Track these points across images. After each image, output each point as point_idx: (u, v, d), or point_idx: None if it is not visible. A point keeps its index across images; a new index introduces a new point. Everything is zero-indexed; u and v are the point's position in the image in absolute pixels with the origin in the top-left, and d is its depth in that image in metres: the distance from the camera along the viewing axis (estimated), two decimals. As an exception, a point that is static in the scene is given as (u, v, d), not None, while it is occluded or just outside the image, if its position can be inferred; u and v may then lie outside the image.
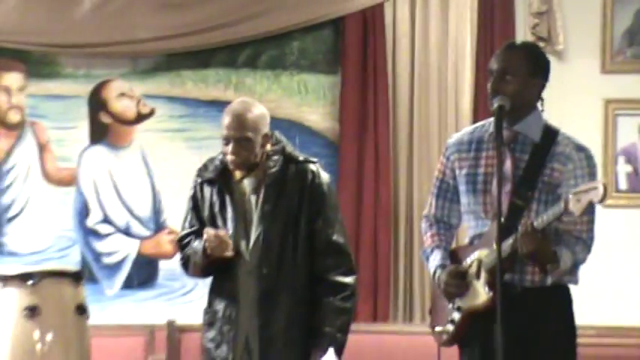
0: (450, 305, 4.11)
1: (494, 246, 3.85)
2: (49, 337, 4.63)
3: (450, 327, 4.06)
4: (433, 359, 4.17)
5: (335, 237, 4.35)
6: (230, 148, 4.25)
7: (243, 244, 4.31)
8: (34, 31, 6.15)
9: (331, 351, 3.91)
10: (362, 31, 6.09)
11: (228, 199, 4.39)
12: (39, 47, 6.23)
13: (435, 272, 4.12)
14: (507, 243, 3.86)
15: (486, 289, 3.90)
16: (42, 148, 6.24)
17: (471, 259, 4.02)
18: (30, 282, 4.64)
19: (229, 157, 4.27)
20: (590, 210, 3.91)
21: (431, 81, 6.07)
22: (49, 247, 6.21)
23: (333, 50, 6.19)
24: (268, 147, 4.35)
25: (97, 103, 6.26)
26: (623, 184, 6.06)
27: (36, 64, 6.28)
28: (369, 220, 5.97)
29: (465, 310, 4.02)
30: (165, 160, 6.18)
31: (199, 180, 4.48)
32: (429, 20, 6.08)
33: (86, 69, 6.28)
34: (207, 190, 4.46)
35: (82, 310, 4.73)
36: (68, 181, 6.23)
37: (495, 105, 3.87)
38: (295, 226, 4.37)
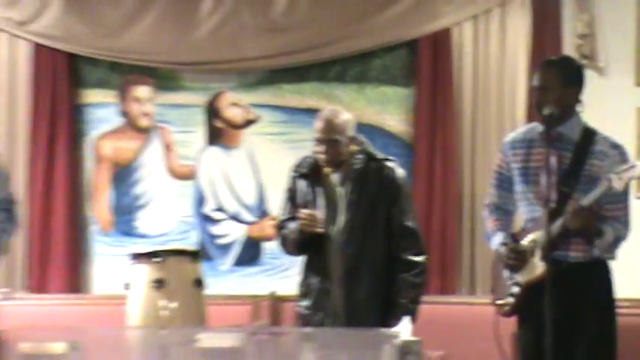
0: (509, 282, 4.28)
1: (547, 229, 4.03)
2: (172, 305, 5.09)
3: (511, 299, 4.27)
4: (491, 326, 4.34)
5: (408, 223, 4.55)
6: (321, 148, 4.50)
7: (331, 228, 4.52)
8: (161, 51, 6.49)
9: (406, 319, 4.12)
10: (432, 51, 6.31)
11: (318, 190, 4.60)
12: (165, 65, 6.58)
13: (497, 250, 4.34)
14: (558, 223, 4.06)
15: (542, 263, 4.11)
16: (167, 148, 6.57)
17: (527, 240, 4.21)
18: (157, 259, 5.13)
19: (321, 156, 4.51)
20: (625, 197, 4.15)
21: (491, 93, 6.29)
22: (172, 231, 6.57)
23: (409, 67, 6.42)
24: (353, 147, 4.52)
25: (212, 111, 6.56)
26: (653, 180, 6.06)
27: (162, 78, 6.61)
28: (438, 209, 6.20)
29: (523, 283, 4.20)
30: (268, 159, 6.46)
31: (295, 174, 4.71)
32: (489, 42, 6.31)
33: (203, 83, 6.58)
34: (301, 183, 4.63)
35: (199, 282, 5.22)
36: (188, 175, 6.58)
37: (545, 113, 4.07)
38: (375, 213, 4.55)
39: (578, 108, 4.30)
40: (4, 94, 6.54)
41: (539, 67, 4.39)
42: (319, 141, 4.51)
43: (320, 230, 4.53)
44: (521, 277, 4.23)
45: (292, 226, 4.66)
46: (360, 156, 4.56)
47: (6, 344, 3.85)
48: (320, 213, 4.62)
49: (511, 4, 6.18)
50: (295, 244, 4.65)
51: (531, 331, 4.21)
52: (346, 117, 4.57)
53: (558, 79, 4.20)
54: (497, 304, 4.38)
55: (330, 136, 4.45)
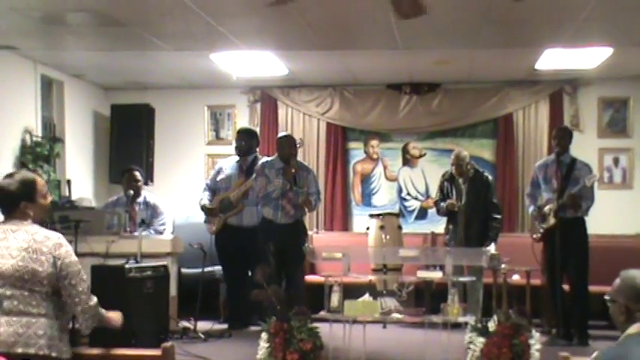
0: (539, 226, 6.31)
1: (556, 203, 6.08)
2: (387, 237, 7.13)
3: (539, 235, 6.35)
4: (529, 248, 6.40)
5: (494, 200, 7.08)
6: (454, 168, 7.03)
7: (458, 204, 6.99)
8: (382, 124, 9.16)
9: (492, 244, 6.40)
10: (504, 123, 9.02)
11: (453, 187, 7.07)
12: (384, 130, 9.25)
13: (532, 213, 6.49)
14: (561, 200, 5.94)
15: (553, 218, 6.06)
16: (385, 167, 9.31)
17: (546, 208, 6.24)
18: (380, 217, 7.29)
19: (453, 170, 7.02)
20: (592, 189, 6.06)
21: (531, 141, 8.97)
22: (387, 204, 9.29)
23: (494, 130, 9.09)
24: (469, 166, 6.99)
25: (405, 150, 9.28)
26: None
27: (383, 136, 9.28)
28: (507, 194, 8.82)
29: (545, 228, 6.21)
30: (430, 172, 9.09)
31: (442, 179, 7.26)
32: (530, 118, 8.99)
33: (400, 138, 9.28)
34: (445, 183, 7.18)
35: (400, 227, 7.32)
36: (394, 179, 9.26)
37: (555, 150, 6.27)
38: (478, 196, 6.97)
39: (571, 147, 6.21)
40: (320, 145, 9.05)
41: (556, 130, 6.53)
42: (453, 164, 7.12)
43: (457, 209, 6.97)
44: (544, 225, 6.23)
45: (442, 204, 7.05)
46: (472, 170, 7.08)
47: (316, 252, 5.98)
48: (454, 198, 6.92)
49: (540, 102, 8.96)
50: (444, 213, 7.15)
51: (549, 249, 6.25)
52: (465, 153, 7.18)
53: (565, 136, 6.34)
54: (533, 237, 6.50)
55: (458, 162, 7.05)
